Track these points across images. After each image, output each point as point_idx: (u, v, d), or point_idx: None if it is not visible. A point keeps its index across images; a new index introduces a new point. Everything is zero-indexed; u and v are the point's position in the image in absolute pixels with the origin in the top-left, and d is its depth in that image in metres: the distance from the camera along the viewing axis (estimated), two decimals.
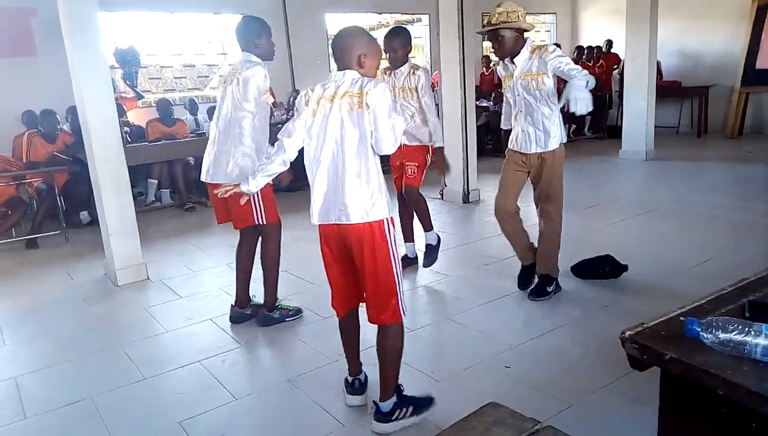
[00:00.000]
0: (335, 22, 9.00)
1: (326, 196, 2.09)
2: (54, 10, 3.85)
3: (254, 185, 2.29)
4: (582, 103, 2.73)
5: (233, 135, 2.90)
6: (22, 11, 6.47)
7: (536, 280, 3.35)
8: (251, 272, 3.29)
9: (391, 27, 4.23)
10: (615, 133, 8.88)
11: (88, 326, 3.42)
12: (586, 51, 9.92)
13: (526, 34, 3.11)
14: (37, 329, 3.43)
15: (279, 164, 2.24)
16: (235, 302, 3.30)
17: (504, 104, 3.44)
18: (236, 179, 2.69)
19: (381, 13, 9.93)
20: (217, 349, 2.97)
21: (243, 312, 3.28)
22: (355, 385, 2.38)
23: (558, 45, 10.18)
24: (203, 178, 3.08)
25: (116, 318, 3.56)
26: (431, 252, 3.86)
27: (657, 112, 7.69)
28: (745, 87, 8.71)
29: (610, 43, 10.03)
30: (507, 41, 3.02)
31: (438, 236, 3.92)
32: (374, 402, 2.23)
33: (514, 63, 3.09)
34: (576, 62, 9.67)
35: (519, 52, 3.05)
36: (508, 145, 3.29)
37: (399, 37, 3.54)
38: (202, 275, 4.17)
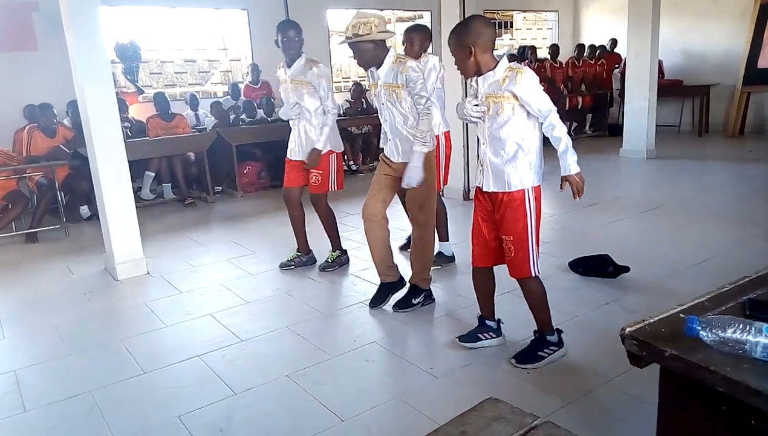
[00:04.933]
0: (337, 17, 8.99)
1: None
2: (55, 5, 3.84)
3: None
4: (413, 175, 2.95)
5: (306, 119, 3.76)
6: (23, 5, 6.46)
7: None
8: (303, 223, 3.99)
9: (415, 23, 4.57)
10: (616, 131, 8.86)
11: (87, 321, 3.42)
12: (587, 49, 9.88)
13: (388, 43, 3.11)
14: (37, 322, 3.43)
15: None
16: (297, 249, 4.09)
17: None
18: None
19: (383, 10, 9.90)
20: (217, 344, 2.97)
21: (300, 259, 4.02)
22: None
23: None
24: (288, 156, 3.88)
25: (116, 312, 3.57)
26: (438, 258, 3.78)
27: (658, 111, 7.68)
28: (747, 86, 8.69)
29: (614, 41, 9.98)
30: (364, 53, 3.02)
31: (453, 252, 3.94)
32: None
33: (377, 73, 3.08)
34: (577, 61, 9.75)
35: (383, 61, 3.03)
36: (383, 151, 3.25)
37: (420, 31, 3.82)
38: (202, 270, 4.17)
